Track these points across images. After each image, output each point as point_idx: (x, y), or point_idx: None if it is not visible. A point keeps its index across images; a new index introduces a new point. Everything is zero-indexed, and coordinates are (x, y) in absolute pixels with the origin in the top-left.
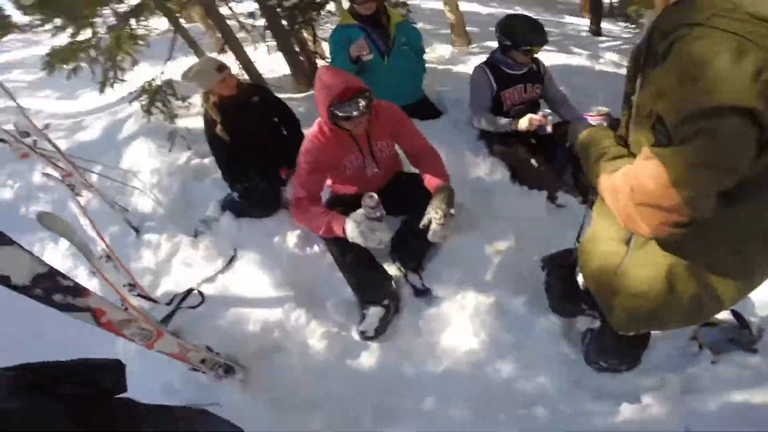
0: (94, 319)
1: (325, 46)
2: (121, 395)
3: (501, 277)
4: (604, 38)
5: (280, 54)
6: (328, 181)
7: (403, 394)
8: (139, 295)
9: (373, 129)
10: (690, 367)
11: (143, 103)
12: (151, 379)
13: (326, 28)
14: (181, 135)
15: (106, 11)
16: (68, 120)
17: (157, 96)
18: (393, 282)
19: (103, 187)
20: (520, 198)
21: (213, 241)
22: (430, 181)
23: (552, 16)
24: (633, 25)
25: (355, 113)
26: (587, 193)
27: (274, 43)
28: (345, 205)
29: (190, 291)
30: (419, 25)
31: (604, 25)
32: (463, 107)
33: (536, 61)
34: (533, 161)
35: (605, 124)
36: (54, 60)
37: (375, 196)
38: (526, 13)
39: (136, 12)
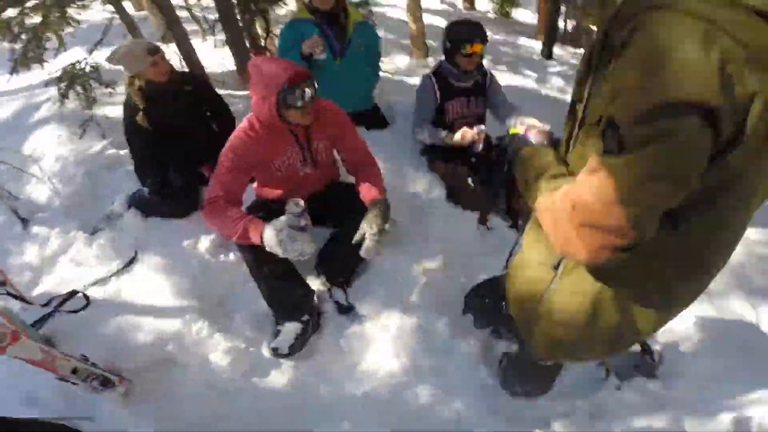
0: None
1: (277, 43)
2: None
3: (426, 299)
4: (554, 62)
5: (227, 49)
6: (254, 184)
7: (316, 418)
8: (8, 293)
9: (312, 126)
10: (598, 392)
11: (61, 86)
12: (11, 388)
13: (281, 22)
14: (97, 122)
15: None
16: None
17: (77, 80)
18: (315, 297)
19: None
20: (452, 218)
21: (111, 240)
22: (366, 193)
23: (508, 36)
24: (582, 50)
25: (306, 100)
26: (517, 218)
27: (223, 38)
28: (268, 211)
29: (73, 293)
30: (380, 32)
31: (556, 49)
32: (410, 122)
33: (484, 74)
34: (470, 181)
35: (545, 143)
36: None
37: (301, 202)
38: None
39: None
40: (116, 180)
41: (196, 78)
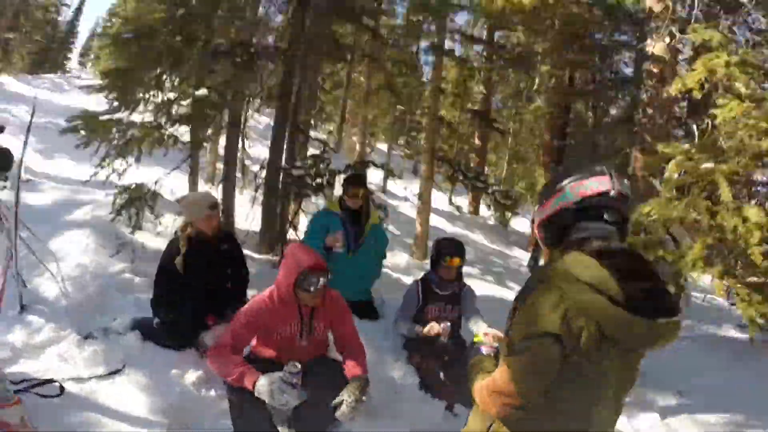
0: None
1: (302, 219)
2: None
3: None
4: None
5: (258, 209)
6: (253, 341)
7: None
8: None
9: (317, 309)
10: None
11: (120, 201)
12: None
13: (307, 203)
14: (132, 248)
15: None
16: (30, 176)
17: (135, 203)
18: None
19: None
20: (422, 403)
21: (104, 349)
22: (351, 369)
23: (503, 246)
24: None
25: (317, 287)
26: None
27: (258, 195)
28: (263, 364)
29: (49, 381)
30: (390, 227)
31: (542, 261)
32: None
33: (461, 286)
34: (441, 375)
35: (492, 354)
36: (82, 127)
37: (299, 366)
38: (481, 237)
39: (177, 120)
40: (124, 304)
41: (233, 239)
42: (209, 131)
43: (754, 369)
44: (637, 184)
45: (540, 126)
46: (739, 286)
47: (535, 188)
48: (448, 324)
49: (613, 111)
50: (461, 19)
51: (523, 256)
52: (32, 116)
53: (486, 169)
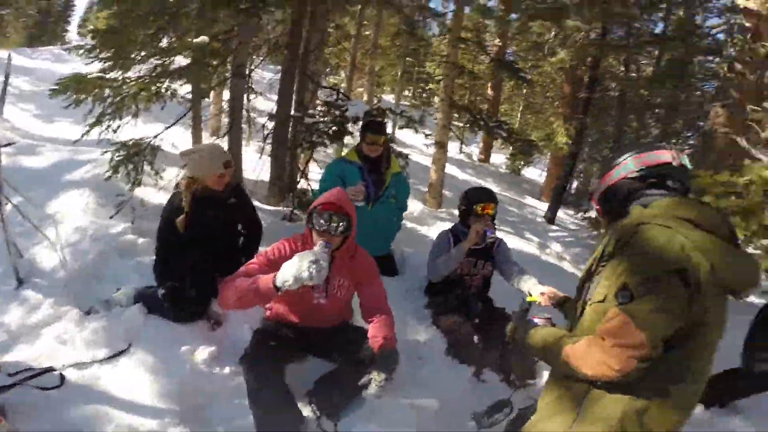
0: None
1: (314, 168)
2: None
3: None
4: (555, 227)
5: (266, 160)
6: (266, 307)
7: None
8: None
9: (339, 263)
10: None
11: (115, 158)
12: None
13: (320, 151)
14: (132, 206)
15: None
16: (26, 140)
17: (134, 159)
18: (304, 426)
19: (11, 222)
20: (449, 369)
21: (106, 327)
22: (377, 335)
23: (516, 195)
24: (583, 215)
25: (327, 228)
26: (509, 374)
27: (266, 146)
28: (276, 330)
29: (48, 369)
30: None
31: (560, 213)
32: (419, 273)
33: (493, 241)
34: (476, 338)
35: (549, 325)
36: (74, 87)
37: (330, 244)
38: (493, 185)
39: (175, 73)
40: (125, 268)
41: (242, 192)
42: (213, 82)
43: None
44: (714, 141)
45: (560, 77)
46: None
47: (552, 138)
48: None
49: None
50: None
51: (537, 206)
52: (6, 79)
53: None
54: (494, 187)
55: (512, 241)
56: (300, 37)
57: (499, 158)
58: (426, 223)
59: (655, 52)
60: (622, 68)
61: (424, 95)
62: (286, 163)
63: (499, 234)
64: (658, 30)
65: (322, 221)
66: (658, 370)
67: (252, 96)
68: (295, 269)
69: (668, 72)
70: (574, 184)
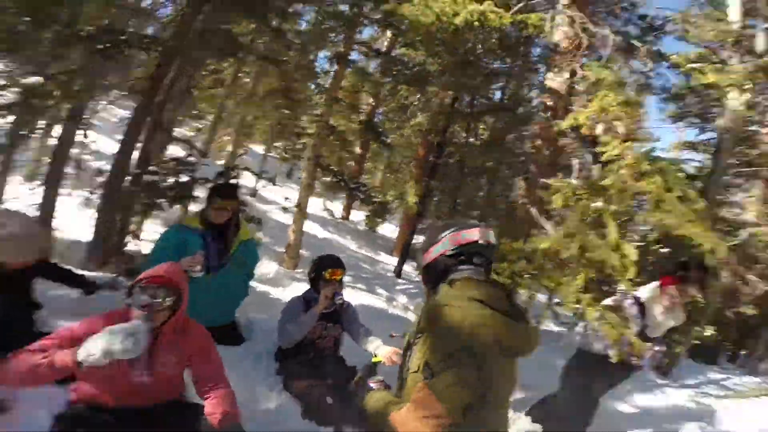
0: None
1: (149, 228)
2: None
3: None
4: (402, 281)
5: (90, 213)
6: (70, 387)
7: None
8: None
9: (167, 339)
10: None
11: None
12: None
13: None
14: None
15: None
16: None
17: None
18: None
19: None
20: None
21: None
22: (214, 410)
23: (371, 251)
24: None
25: (148, 304)
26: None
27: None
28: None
29: None
30: (258, 234)
31: (406, 267)
32: (269, 339)
33: (341, 304)
34: (329, 399)
35: (382, 387)
36: None
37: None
38: (351, 242)
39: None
40: None
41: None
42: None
43: None
44: (515, 212)
45: (417, 142)
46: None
47: (404, 198)
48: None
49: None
50: (366, 33)
51: (389, 261)
52: None
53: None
54: (352, 244)
55: (364, 297)
56: (161, 82)
57: (359, 215)
58: (282, 284)
59: (491, 121)
60: (464, 134)
61: (297, 147)
62: (116, 221)
63: (351, 291)
64: (496, 98)
65: (145, 297)
66: (462, 426)
67: (93, 135)
68: (105, 341)
69: (493, 140)
70: (419, 239)
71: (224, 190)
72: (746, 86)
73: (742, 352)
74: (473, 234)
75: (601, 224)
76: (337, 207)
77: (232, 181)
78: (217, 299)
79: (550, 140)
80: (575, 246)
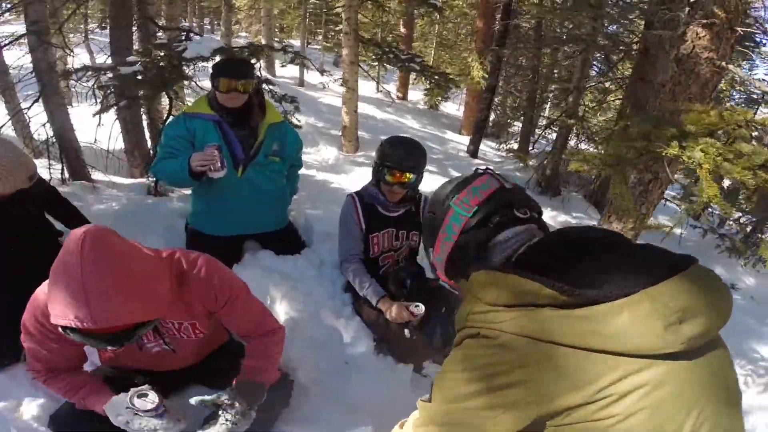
0: None
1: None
2: None
3: None
4: (478, 161)
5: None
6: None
7: None
8: None
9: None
10: None
11: None
12: None
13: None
14: None
15: None
16: None
17: None
18: None
19: None
20: (383, 373)
21: None
22: (245, 365)
23: (436, 130)
24: (504, 146)
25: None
26: None
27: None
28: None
29: None
30: (310, 120)
31: (481, 146)
32: (333, 243)
33: (417, 202)
34: (406, 332)
35: None
36: None
37: (151, 399)
38: (413, 122)
39: None
40: None
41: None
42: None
43: None
44: (696, 69)
45: (472, 12)
46: None
47: (467, 73)
48: (421, 307)
49: None
50: None
51: (458, 140)
52: None
53: None
54: (414, 123)
55: (436, 181)
56: None
57: (417, 95)
58: (343, 170)
59: None
60: None
61: (338, 38)
62: (142, 120)
63: (425, 175)
64: None
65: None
66: None
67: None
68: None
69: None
70: (492, 117)
71: (229, 67)
72: None
73: None
74: (486, 182)
75: None
76: (392, 89)
77: (239, 57)
78: (259, 201)
79: None
80: None
